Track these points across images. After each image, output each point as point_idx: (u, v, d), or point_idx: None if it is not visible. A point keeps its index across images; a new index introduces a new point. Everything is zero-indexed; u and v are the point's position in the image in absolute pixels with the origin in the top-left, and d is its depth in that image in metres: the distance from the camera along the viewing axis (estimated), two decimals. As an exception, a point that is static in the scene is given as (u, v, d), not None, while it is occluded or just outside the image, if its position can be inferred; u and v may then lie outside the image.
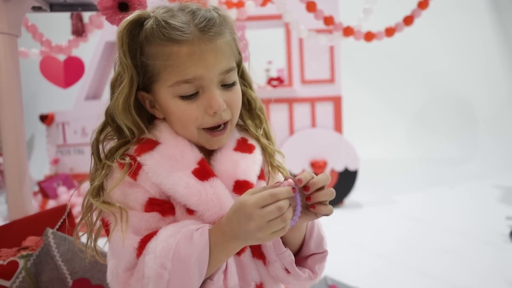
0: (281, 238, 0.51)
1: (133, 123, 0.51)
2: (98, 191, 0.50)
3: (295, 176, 0.45)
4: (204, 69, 0.48)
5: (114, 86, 0.53)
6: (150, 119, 0.55)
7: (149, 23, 0.50)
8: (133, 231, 0.46)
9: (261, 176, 0.55)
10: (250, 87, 0.60)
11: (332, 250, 1.90)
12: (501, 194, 2.79)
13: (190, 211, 0.48)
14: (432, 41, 4.56)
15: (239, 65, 0.57)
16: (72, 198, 2.97)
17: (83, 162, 3.46)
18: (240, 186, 0.51)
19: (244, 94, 0.57)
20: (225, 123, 0.52)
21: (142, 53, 0.50)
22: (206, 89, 0.49)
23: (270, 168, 0.58)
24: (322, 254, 0.53)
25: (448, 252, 1.74)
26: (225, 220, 0.44)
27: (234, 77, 0.53)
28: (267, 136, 0.60)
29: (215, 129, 0.51)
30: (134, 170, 0.48)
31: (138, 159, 0.49)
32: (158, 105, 0.53)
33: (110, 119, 0.53)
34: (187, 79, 0.48)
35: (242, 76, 0.59)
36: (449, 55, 4.56)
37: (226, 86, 0.51)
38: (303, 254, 0.53)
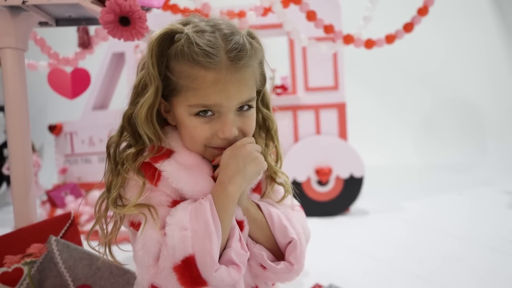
0: (251, 237, 0.54)
1: (153, 132, 0.53)
2: (116, 200, 0.52)
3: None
4: (224, 99, 0.51)
5: (137, 91, 0.54)
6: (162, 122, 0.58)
7: (180, 42, 0.51)
8: (162, 226, 0.48)
9: (256, 189, 0.58)
10: (268, 108, 0.62)
11: (338, 258, 1.87)
12: (510, 201, 2.74)
13: None
14: (437, 47, 4.55)
15: (261, 90, 0.60)
16: (80, 207, 3.01)
17: (91, 172, 3.50)
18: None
19: (261, 113, 0.60)
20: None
21: (168, 67, 0.52)
22: (223, 115, 0.52)
23: (269, 184, 0.59)
24: (291, 243, 0.54)
25: (455, 260, 1.71)
26: (219, 173, 0.51)
27: (253, 103, 0.55)
28: (277, 155, 0.62)
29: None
30: (156, 178, 0.51)
31: (157, 166, 0.51)
32: (173, 114, 0.55)
33: (127, 124, 0.55)
34: (206, 105, 0.51)
35: (263, 98, 0.61)
36: (454, 60, 4.55)
37: (242, 109, 0.54)
38: (281, 249, 0.55)
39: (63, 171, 3.51)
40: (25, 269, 0.63)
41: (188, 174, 0.50)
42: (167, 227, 0.47)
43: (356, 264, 1.72)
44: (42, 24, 0.79)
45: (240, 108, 0.53)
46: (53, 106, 4.65)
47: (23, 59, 0.72)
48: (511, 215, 2.41)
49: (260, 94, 0.60)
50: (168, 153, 0.52)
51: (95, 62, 2.87)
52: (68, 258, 0.63)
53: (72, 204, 3.03)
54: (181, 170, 0.50)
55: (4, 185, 4.27)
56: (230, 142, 0.53)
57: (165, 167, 0.51)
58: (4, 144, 4.33)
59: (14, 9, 0.69)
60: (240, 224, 0.52)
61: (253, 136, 0.61)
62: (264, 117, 0.61)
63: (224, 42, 0.51)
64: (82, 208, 3.05)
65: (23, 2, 0.65)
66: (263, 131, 0.62)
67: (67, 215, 0.72)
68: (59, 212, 2.93)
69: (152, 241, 0.47)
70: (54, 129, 3.47)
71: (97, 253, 0.54)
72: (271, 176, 0.59)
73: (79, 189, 3.30)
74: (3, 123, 4.10)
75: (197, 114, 0.51)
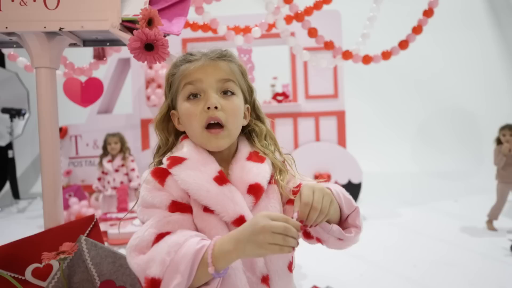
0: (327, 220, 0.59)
1: (164, 133, 0.68)
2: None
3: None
4: (203, 74, 0.64)
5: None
6: (177, 137, 0.70)
7: (179, 57, 0.68)
8: (155, 226, 0.57)
9: (271, 181, 0.66)
10: (259, 119, 0.72)
11: (335, 262, 1.94)
12: (504, 208, 2.82)
13: (211, 211, 0.60)
14: (435, 56, 4.64)
15: (246, 95, 0.69)
16: (83, 209, 3.07)
17: (94, 174, 3.57)
18: (252, 188, 0.63)
19: (256, 124, 0.70)
20: (222, 127, 0.63)
21: (171, 75, 0.68)
22: (205, 92, 0.63)
23: (278, 175, 0.67)
24: (355, 211, 0.63)
25: (450, 265, 1.78)
26: (240, 226, 0.54)
27: (233, 89, 0.66)
28: (279, 153, 0.71)
29: (211, 127, 0.63)
30: (163, 179, 0.61)
31: (170, 170, 0.62)
32: (179, 116, 0.66)
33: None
34: (190, 81, 0.64)
35: (254, 108, 0.72)
36: (452, 69, 4.64)
37: (225, 94, 0.65)
38: (343, 219, 0.63)
39: (68, 173, 3.58)
40: (57, 265, 0.71)
41: (194, 178, 0.60)
42: (163, 242, 0.54)
43: (353, 268, 1.79)
44: (72, 45, 0.87)
45: (224, 93, 0.64)
46: (58, 109, 4.72)
47: (55, 77, 0.80)
48: (505, 222, 2.48)
49: (251, 103, 0.71)
50: (180, 160, 0.63)
51: (101, 67, 2.95)
52: (95, 255, 0.71)
53: (75, 205, 3.10)
54: (188, 174, 0.60)
55: (7, 185, 4.33)
56: (214, 117, 0.62)
57: (177, 171, 0.61)
58: (9, 146, 4.40)
59: (50, 34, 0.78)
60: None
61: (254, 142, 0.70)
62: (259, 127, 0.71)
63: (205, 52, 0.67)
64: (86, 210, 3.12)
65: (60, 29, 0.73)
66: (257, 136, 0.71)
67: (91, 217, 0.80)
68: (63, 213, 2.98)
69: (148, 237, 0.56)
70: (59, 131, 3.54)
71: (120, 252, 0.62)
72: (280, 169, 0.67)
73: (83, 191, 3.37)
74: (8, 125, 4.12)
75: (188, 98, 0.63)
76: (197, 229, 0.60)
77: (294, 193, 0.65)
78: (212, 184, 0.60)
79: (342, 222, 0.63)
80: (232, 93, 0.65)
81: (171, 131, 0.69)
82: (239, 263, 0.58)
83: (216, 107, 0.62)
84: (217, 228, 0.59)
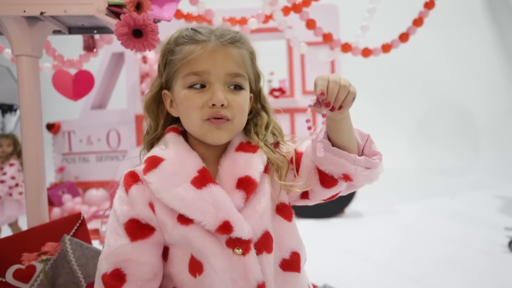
0: (342, 148, 0.56)
1: (153, 116, 0.61)
2: None
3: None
4: (211, 66, 0.55)
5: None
6: (170, 122, 0.63)
7: (182, 31, 0.59)
8: (107, 258, 0.54)
9: (265, 171, 0.59)
10: (264, 109, 0.65)
11: (332, 259, 1.90)
12: (501, 205, 2.81)
13: (189, 221, 0.53)
14: (433, 52, 4.62)
15: (252, 84, 0.63)
16: (77, 206, 3.03)
17: (88, 170, 3.51)
18: (242, 182, 0.56)
19: (258, 114, 0.64)
20: (227, 119, 0.56)
21: (169, 52, 0.59)
22: (212, 84, 0.56)
23: (275, 172, 0.60)
24: (368, 140, 0.59)
25: (447, 262, 1.76)
26: None
27: (242, 83, 0.58)
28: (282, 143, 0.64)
29: (214, 120, 0.56)
30: (128, 186, 0.55)
31: (145, 177, 0.55)
32: (174, 99, 0.59)
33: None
34: (196, 71, 0.56)
35: (259, 99, 0.65)
36: (449, 66, 4.62)
37: (233, 89, 0.57)
38: (359, 151, 0.59)
39: (61, 169, 3.52)
40: (40, 266, 0.67)
41: (168, 185, 0.54)
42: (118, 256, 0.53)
43: (350, 265, 1.76)
44: (56, 32, 0.83)
45: (234, 87, 0.57)
46: (51, 104, 4.65)
47: (38, 66, 0.75)
48: (501, 219, 2.47)
49: (257, 94, 0.64)
50: (156, 163, 0.55)
51: (94, 62, 2.89)
52: (80, 256, 0.67)
53: (69, 202, 3.05)
54: (162, 181, 0.54)
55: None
56: (220, 115, 0.55)
57: (150, 178, 0.54)
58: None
59: (31, 19, 0.73)
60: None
61: (250, 132, 0.63)
62: (261, 115, 0.64)
63: (214, 29, 0.59)
64: (79, 207, 3.07)
65: (41, 13, 0.68)
66: (257, 126, 0.63)
67: (77, 215, 0.76)
68: (55, 210, 2.93)
69: (103, 267, 0.54)
70: (52, 127, 3.48)
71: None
72: (277, 165, 0.59)
73: (76, 188, 3.32)
74: (0, 121, 4.08)
75: (191, 86, 0.56)
76: (166, 249, 0.56)
77: (298, 156, 0.60)
78: (188, 189, 0.54)
79: (360, 155, 0.58)
80: (241, 88, 0.58)
81: (161, 114, 0.61)
82: (227, 268, 0.53)
83: (222, 105, 0.55)
84: (200, 238, 0.53)
